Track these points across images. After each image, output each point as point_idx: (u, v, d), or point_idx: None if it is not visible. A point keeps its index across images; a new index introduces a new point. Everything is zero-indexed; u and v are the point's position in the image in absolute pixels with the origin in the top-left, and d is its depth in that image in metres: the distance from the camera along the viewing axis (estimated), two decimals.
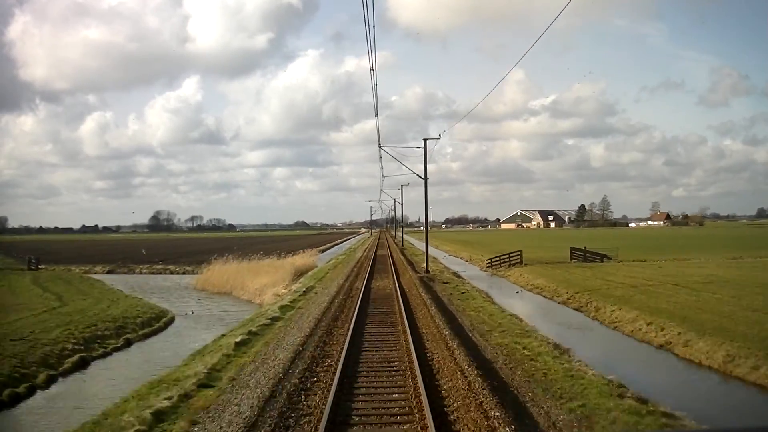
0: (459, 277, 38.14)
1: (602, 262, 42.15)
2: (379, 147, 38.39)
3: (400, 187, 70.83)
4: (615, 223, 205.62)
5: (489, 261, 45.70)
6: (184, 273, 50.50)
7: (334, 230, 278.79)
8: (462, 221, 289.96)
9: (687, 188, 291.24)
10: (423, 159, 33.16)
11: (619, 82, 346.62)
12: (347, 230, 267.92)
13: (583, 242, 57.74)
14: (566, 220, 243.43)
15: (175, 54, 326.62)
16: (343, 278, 34.18)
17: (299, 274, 41.10)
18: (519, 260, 42.53)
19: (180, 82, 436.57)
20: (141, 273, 54.06)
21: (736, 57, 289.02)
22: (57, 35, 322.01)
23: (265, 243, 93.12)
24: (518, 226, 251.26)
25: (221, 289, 37.24)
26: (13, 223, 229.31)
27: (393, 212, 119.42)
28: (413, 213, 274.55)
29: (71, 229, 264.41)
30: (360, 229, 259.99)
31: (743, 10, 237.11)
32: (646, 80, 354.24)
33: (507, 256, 43.52)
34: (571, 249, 44.71)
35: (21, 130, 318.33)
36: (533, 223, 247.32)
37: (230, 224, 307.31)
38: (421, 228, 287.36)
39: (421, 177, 34.63)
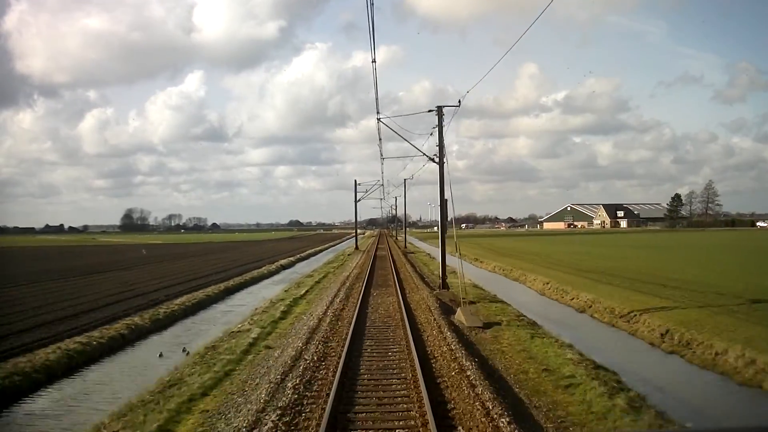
0: None
1: None
2: (378, 120, 24.96)
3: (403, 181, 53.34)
4: (733, 222, 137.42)
5: None
6: None
7: (321, 231, 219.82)
8: (470, 220, 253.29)
9: (693, 186, 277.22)
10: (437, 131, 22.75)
11: (636, 76, 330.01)
12: (337, 231, 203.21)
13: None
14: (637, 215, 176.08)
15: (180, 45, 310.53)
16: None
17: None
18: None
19: (183, 77, 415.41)
20: None
21: (755, 52, 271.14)
22: (55, 25, 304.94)
23: None
24: (569, 225, 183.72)
25: None
26: None
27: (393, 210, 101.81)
28: (414, 212, 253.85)
29: (33, 229, 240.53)
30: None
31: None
32: (664, 75, 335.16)
33: None
34: None
35: (19, 127, 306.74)
36: (596, 221, 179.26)
37: (214, 224, 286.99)
38: (434, 229, 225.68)
39: (430, 157, 24.33)
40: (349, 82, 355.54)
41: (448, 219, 23.56)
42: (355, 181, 62.04)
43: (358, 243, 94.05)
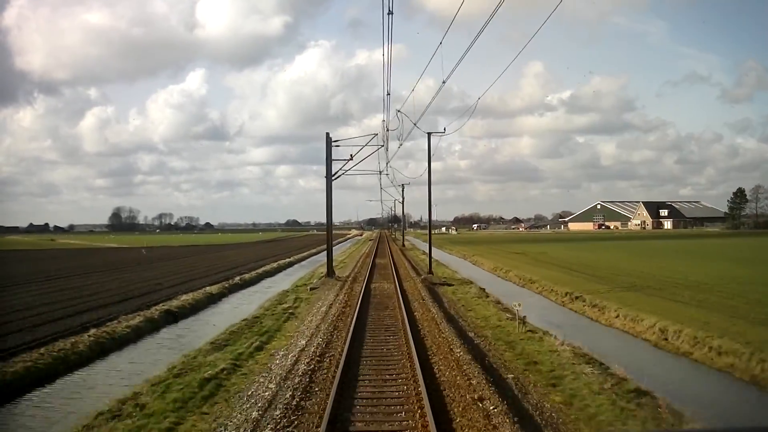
0: None
1: None
2: None
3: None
4: None
5: None
6: None
7: (314, 231, 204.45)
8: (475, 220, 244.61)
9: (696, 187, 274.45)
10: None
11: (643, 75, 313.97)
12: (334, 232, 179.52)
13: None
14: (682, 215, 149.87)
15: (182, 41, 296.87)
16: None
17: None
18: None
19: (184, 75, 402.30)
20: None
21: (762, 51, 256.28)
22: (55, 20, 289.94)
23: None
24: (599, 226, 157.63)
25: None
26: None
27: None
28: (415, 212, 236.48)
29: (17, 228, 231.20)
30: (350, 231, 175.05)
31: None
32: (671, 74, 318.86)
33: None
34: None
35: (19, 125, 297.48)
36: (634, 221, 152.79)
37: (207, 223, 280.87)
38: (442, 230, 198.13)
39: None
40: (352, 80, 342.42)
41: None
42: (328, 134, 31.11)
43: (348, 253, 67.82)
